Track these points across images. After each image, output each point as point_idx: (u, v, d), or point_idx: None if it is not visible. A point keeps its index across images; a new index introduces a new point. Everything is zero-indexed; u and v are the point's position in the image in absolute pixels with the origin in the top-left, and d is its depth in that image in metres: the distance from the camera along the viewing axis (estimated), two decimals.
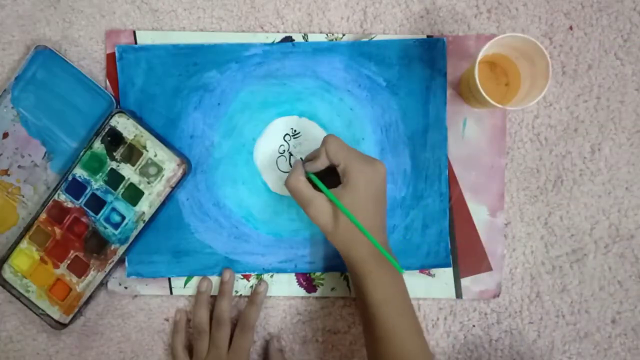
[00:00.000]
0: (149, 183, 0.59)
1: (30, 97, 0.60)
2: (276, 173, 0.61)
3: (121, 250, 0.59)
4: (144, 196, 0.59)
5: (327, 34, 0.61)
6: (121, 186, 0.59)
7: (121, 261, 0.60)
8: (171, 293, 0.62)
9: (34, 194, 0.61)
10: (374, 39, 0.61)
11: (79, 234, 0.59)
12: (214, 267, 0.61)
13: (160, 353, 0.63)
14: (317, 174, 0.54)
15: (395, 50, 0.61)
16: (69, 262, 0.60)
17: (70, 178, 0.59)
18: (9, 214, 0.61)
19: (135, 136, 0.59)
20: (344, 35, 0.61)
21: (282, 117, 0.61)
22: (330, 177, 0.54)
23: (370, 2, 0.62)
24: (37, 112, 0.60)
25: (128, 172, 0.59)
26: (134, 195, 0.59)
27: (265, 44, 0.61)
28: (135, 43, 0.61)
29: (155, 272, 0.61)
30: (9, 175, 0.60)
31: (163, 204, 0.59)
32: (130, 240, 0.59)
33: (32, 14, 0.61)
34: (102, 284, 0.61)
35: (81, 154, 0.59)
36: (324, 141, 0.53)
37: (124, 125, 0.58)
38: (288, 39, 0.61)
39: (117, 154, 0.59)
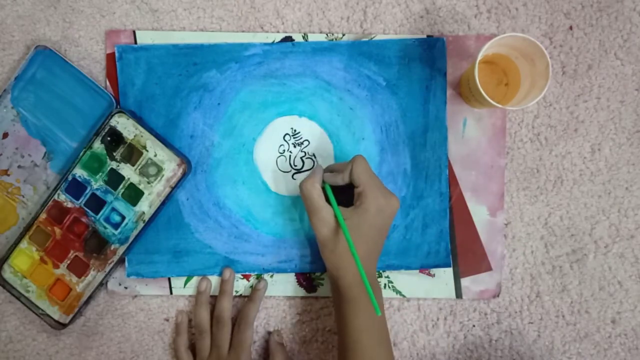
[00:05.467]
0: (149, 183, 0.59)
1: (30, 97, 0.60)
2: (276, 173, 0.61)
3: (121, 250, 0.59)
4: (144, 196, 0.59)
5: (327, 34, 0.61)
6: (121, 186, 0.59)
7: (121, 261, 0.60)
8: (171, 293, 0.62)
9: (34, 194, 0.61)
10: (374, 38, 0.61)
11: (79, 234, 0.59)
12: (214, 267, 0.61)
13: (160, 353, 0.63)
14: (333, 187, 0.54)
15: (395, 50, 0.61)
16: (68, 262, 0.60)
17: (70, 178, 0.59)
18: (9, 214, 0.61)
19: (135, 136, 0.59)
20: (343, 35, 0.61)
21: (282, 117, 0.61)
22: (343, 192, 0.55)
23: (370, 2, 0.62)
24: (37, 112, 0.60)
25: (128, 172, 0.59)
26: (133, 195, 0.59)
27: (265, 44, 0.61)
28: (135, 43, 0.61)
29: (155, 272, 0.61)
30: (8, 175, 0.60)
31: (163, 203, 0.59)
32: (130, 240, 0.59)
33: (32, 14, 0.61)
34: (102, 284, 0.61)
35: (81, 154, 0.59)
36: (353, 160, 0.53)
37: (124, 125, 0.58)
38: (288, 39, 0.61)
39: (117, 154, 0.59)
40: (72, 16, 0.61)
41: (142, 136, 0.58)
